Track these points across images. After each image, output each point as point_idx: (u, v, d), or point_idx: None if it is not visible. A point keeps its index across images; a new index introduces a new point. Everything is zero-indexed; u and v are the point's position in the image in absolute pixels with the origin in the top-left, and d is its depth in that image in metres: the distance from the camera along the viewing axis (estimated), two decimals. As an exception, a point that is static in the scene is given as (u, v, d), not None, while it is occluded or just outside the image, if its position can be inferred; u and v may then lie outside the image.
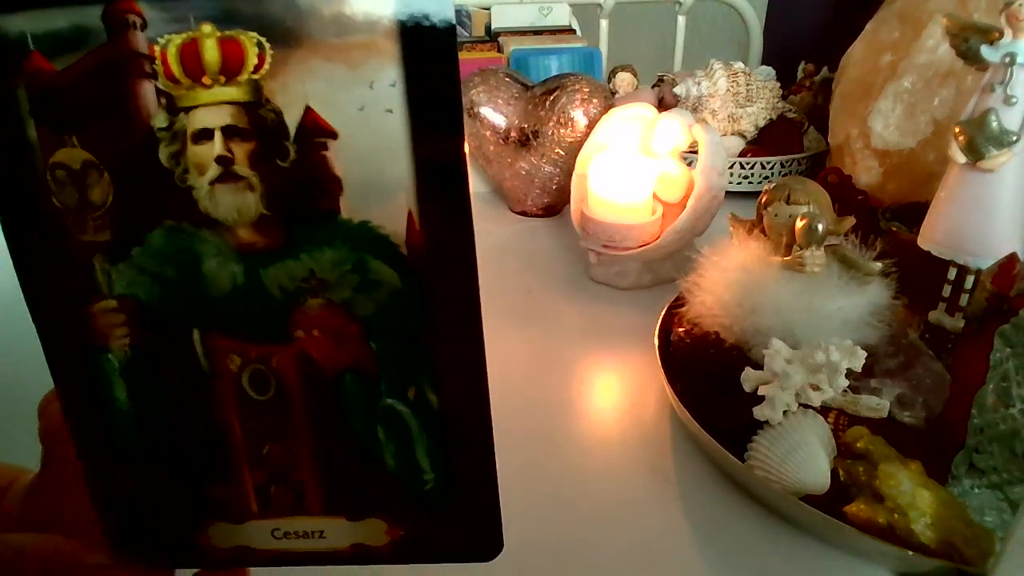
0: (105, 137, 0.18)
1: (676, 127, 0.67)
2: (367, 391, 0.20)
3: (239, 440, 0.21)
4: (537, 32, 1.07)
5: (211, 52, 0.17)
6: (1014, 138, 0.50)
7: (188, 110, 0.18)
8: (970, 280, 0.51)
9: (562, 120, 0.83)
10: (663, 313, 0.58)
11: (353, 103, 0.17)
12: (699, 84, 0.93)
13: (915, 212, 0.62)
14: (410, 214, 0.18)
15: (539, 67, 0.98)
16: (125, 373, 0.20)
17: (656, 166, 0.68)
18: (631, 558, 0.41)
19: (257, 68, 0.18)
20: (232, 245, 0.19)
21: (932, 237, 0.55)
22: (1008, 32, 0.50)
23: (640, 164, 0.68)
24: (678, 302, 0.56)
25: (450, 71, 0.17)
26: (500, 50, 1.01)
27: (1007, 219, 0.53)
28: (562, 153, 0.84)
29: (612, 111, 0.72)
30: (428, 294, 0.19)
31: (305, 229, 0.19)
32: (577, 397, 0.56)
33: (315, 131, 0.18)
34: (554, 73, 0.92)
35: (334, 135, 0.18)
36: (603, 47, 1.16)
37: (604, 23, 1.17)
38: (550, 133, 0.83)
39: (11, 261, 0.19)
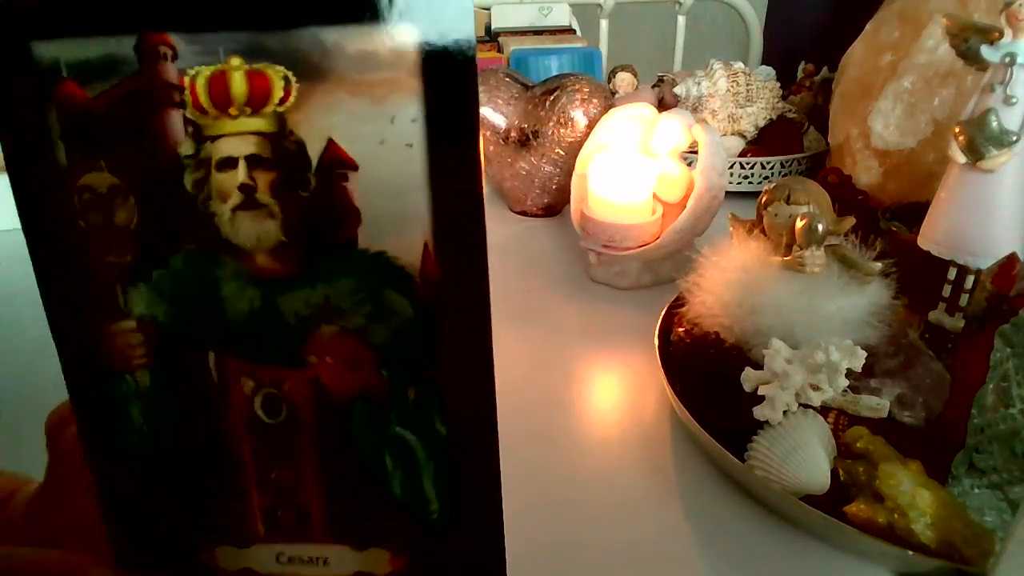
0: (133, 162, 0.19)
1: (676, 127, 0.67)
2: (377, 418, 0.20)
3: (249, 463, 0.21)
4: (537, 32, 1.07)
5: (239, 84, 0.18)
6: (1014, 138, 0.50)
7: (214, 139, 0.19)
8: (970, 280, 0.51)
9: (562, 120, 0.83)
10: (663, 313, 0.58)
11: (374, 137, 0.18)
12: (699, 84, 0.93)
13: (915, 212, 0.62)
14: (426, 246, 0.18)
15: (539, 67, 0.98)
16: (140, 393, 0.20)
17: (656, 166, 0.68)
18: (631, 558, 0.41)
19: (283, 101, 0.18)
20: (251, 271, 0.19)
21: (932, 237, 0.55)
22: (1008, 32, 0.50)
23: (640, 164, 0.68)
24: (678, 302, 0.56)
25: (470, 109, 0.17)
26: (500, 50, 1.01)
27: (1007, 219, 0.53)
28: (562, 153, 0.84)
29: (612, 111, 0.72)
30: (440, 325, 0.19)
31: (323, 257, 0.19)
32: (577, 397, 0.56)
33: (336, 163, 0.18)
34: (554, 73, 0.92)
35: (355, 167, 0.18)
36: (603, 47, 1.16)
37: (604, 23, 1.17)
38: (550, 133, 0.83)
39: (34, 280, 0.19)
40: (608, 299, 0.69)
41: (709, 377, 0.49)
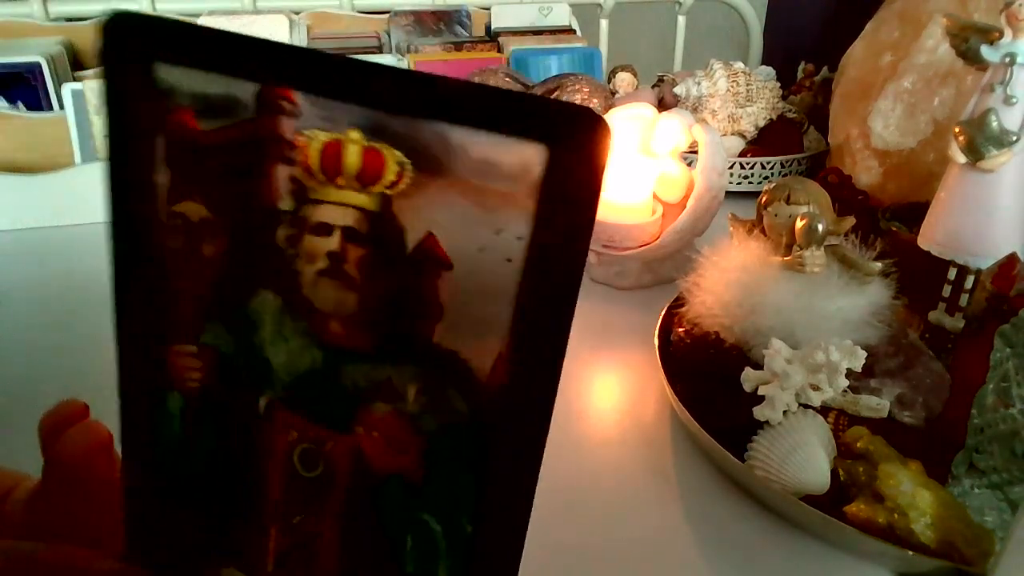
0: (230, 203, 0.19)
1: (676, 127, 0.67)
2: (407, 500, 0.20)
3: (275, 504, 0.21)
4: (537, 32, 1.06)
5: (353, 158, 0.18)
6: (1014, 138, 0.50)
7: (316, 203, 0.18)
8: (970, 280, 0.51)
9: (562, 120, 0.83)
10: (663, 313, 0.58)
11: (476, 242, 0.18)
12: (699, 84, 0.93)
13: (915, 212, 0.62)
14: (500, 356, 0.18)
15: (539, 67, 0.98)
16: (185, 412, 0.21)
17: (656, 166, 0.68)
18: (631, 558, 0.41)
19: (393, 185, 0.18)
20: (320, 333, 0.19)
21: (932, 237, 0.55)
22: (1008, 32, 0.50)
23: (640, 164, 0.68)
24: (678, 302, 0.56)
25: (581, 241, 0.17)
26: (500, 50, 1.01)
27: (1007, 219, 0.53)
28: (562, 153, 0.84)
29: (612, 111, 0.72)
30: (493, 433, 0.19)
31: (395, 342, 0.19)
32: (577, 397, 0.56)
33: (431, 257, 0.18)
34: (554, 73, 0.92)
35: (449, 266, 0.18)
36: (603, 47, 1.16)
37: (604, 23, 1.17)
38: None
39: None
40: (608, 299, 0.69)
41: (709, 377, 0.49)
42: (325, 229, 0.19)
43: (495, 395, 0.18)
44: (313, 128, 0.18)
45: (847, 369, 0.43)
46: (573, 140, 0.16)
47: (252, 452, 0.21)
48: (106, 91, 0.18)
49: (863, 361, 0.44)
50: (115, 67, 0.18)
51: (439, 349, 0.18)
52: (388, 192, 0.18)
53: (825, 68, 1.03)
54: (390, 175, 0.18)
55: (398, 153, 0.17)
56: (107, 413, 0.22)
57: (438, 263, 0.18)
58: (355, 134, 0.17)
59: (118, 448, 0.22)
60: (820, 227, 0.47)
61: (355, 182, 0.18)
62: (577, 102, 0.82)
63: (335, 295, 0.19)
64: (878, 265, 0.48)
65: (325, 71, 0.17)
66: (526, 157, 0.16)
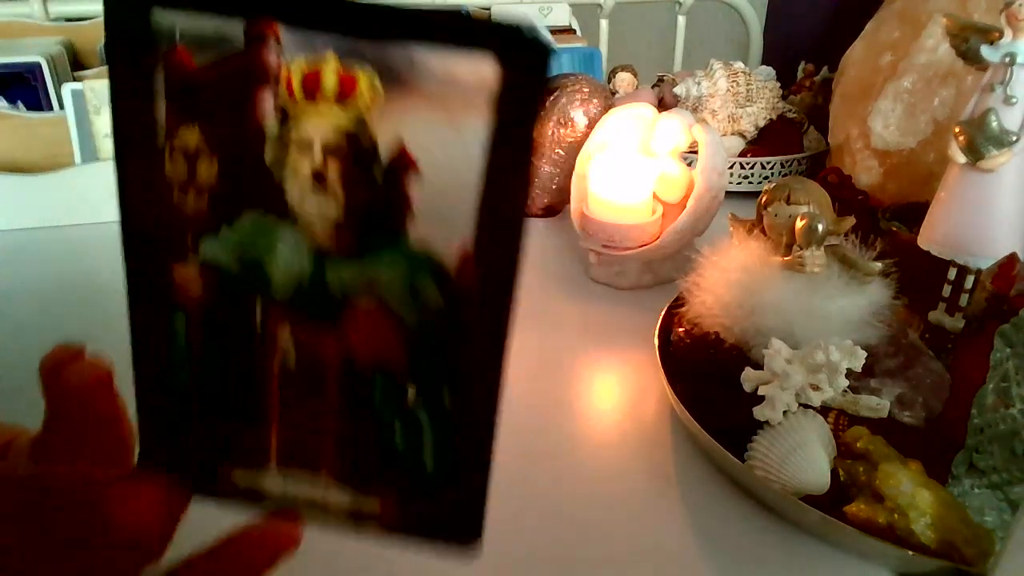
0: (222, 129, 0.21)
1: (676, 127, 0.67)
2: (393, 390, 0.23)
3: (275, 401, 0.24)
4: (537, 32, 1.06)
5: (330, 79, 0.20)
6: (1014, 138, 0.50)
7: (298, 124, 0.21)
8: (970, 280, 0.51)
9: (562, 120, 0.83)
10: (663, 313, 0.58)
11: (442, 148, 0.20)
12: (699, 84, 0.93)
13: (915, 212, 0.62)
14: (466, 251, 0.21)
15: (539, 67, 0.98)
16: (190, 324, 0.23)
17: (656, 166, 0.68)
18: (631, 558, 0.41)
19: (366, 101, 0.20)
20: (308, 241, 0.22)
21: (932, 237, 0.55)
22: (1008, 32, 0.50)
23: (640, 164, 0.68)
24: (678, 302, 0.56)
25: (528, 147, 0.20)
26: (500, 50, 1.01)
27: (1007, 219, 0.53)
28: (562, 153, 0.84)
29: (612, 111, 0.72)
30: (465, 322, 0.22)
31: (374, 242, 0.22)
32: (577, 397, 0.56)
33: (403, 165, 0.21)
34: (554, 73, 0.92)
35: (418, 172, 0.21)
36: (603, 47, 1.16)
37: (604, 23, 1.17)
38: (550, 133, 0.83)
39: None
40: (608, 299, 0.69)
41: (709, 377, 0.49)
42: (308, 146, 0.21)
43: (465, 285, 0.21)
44: (294, 56, 0.20)
45: (847, 369, 0.43)
46: (519, 52, 0.19)
47: (251, 358, 0.23)
48: (109, 35, 0.20)
49: (863, 361, 0.44)
50: (117, 14, 0.20)
51: (414, 246, 0.21)
52: (362, 109, 0.21)
53: (825, 68, 1.03)
54: (364, 93, 0.20)
55: (369, 72, 0.20)
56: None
57: (410, 169, 0.21)
58: (331, 58, 0.20)
59: (117, 384, 0.24)
60: (820, 227, 0.47)
61: (333, 101, 0.21)
62: (577, 102, 0.82)
63: (320, 206, 0.21)
64: (878, 265, 0.48)
65: (303, 4, 0.20)
66: (480, 69, 0.19)
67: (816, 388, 0.44)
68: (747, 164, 0.90)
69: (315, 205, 0.21)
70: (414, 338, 0.22)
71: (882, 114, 0.75)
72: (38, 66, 0.88)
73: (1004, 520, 0.40)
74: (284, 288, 0.22)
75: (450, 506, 0.24)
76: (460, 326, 0.22)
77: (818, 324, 0.47)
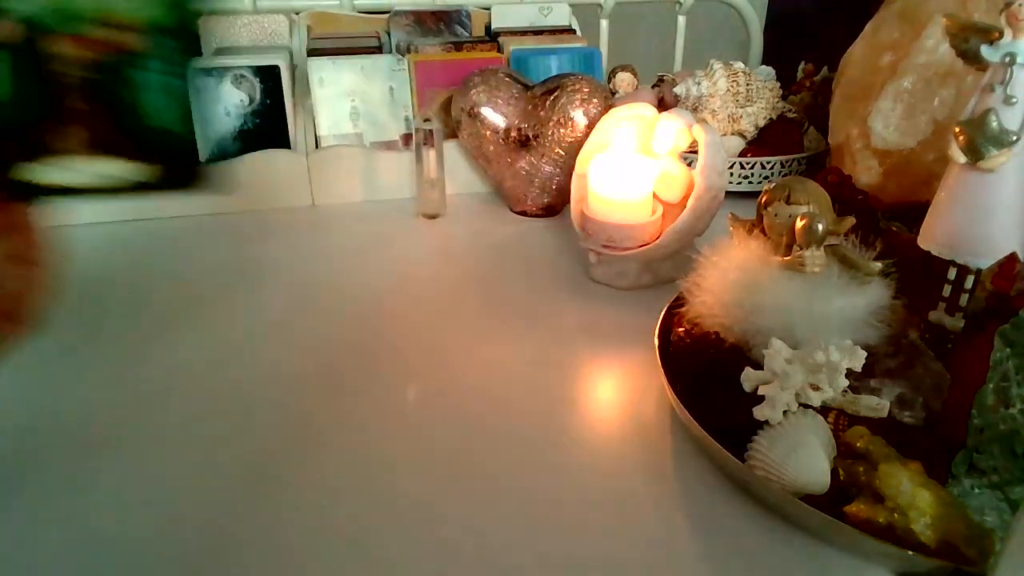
0: None
1: (676, 127, 0.67)
2: (136, 70, 0.31)
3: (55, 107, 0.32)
4: (537, 32, 1.06)
5: None
6: (1014, 138, 0.50)
7: None
8: (970, 280, 0.51)
9: (562, 120, 0.83)
10: (663, 313, 0.58)
11: None
12: (699, 84, 0.93)
13: (915, 212, 0.62)
14: None
15: (539, 67, 0.98)
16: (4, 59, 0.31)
17: (656, 166, 0.68)
18: (631, 558, 0.41)
19: None
20: None
21: (932, 237, 0.55)
22: (1008, 32, 0.50)
23: (640, 164, 0.68)
24: (678, 302, 0.56)
25: None
26: (500, 50, 1.01)
27: (1007, 219, 0.53)
28: (562, 153, 0.84)
29: (612, 111, 0.72)
30: None
31: None
32: (577, 397, 0.56)
33: None
34: (554, 73, 0.92)
35: None
36: (603, 47, 1.16)
37: (604, 23, 1.17)
38: (550, 133, 0.83)
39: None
40: (608, 299, 0.69)
41: (709, 377, 0.49)
42: None
43: None
44: None
45: (847, 369, 0.43)
46: None
47: (44, 77, 0.31)
48: None
49: (863, 361, 0.44)
50: None
51: None
52: None
53: (825, 68, 1.03)
54: None
55: None
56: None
57: None
58: None
59: None
60: (820, 227, 0.47)
61: None
62: (577, 102, 0.82)
63: None
64: (878, 265, 0.48)
65: None
66: None
67: (816, 388, 0.44)
68: (747, 164, 0.90)
69: None
70: (150, 29, 0.31)
71: (882, 114, 0.75)
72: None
73: (1004, 520, 0.40)
74: (54, 16, 0.30)
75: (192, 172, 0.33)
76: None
77: (818, 324, 0.47)
